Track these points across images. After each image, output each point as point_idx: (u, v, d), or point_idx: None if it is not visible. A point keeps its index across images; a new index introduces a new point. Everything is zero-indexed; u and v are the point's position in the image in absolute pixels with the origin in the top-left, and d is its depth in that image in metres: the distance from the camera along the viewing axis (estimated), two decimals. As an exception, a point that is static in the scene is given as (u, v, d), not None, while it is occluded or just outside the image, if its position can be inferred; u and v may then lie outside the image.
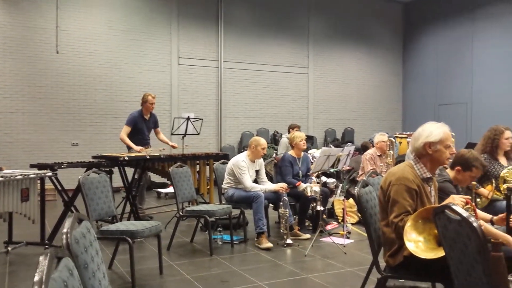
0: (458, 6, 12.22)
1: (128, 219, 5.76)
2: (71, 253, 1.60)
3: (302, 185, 5.46)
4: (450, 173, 3.36)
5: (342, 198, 6.15)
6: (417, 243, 2.30)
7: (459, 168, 3.31)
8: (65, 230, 1.64)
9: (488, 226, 3.14)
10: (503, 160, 4.21)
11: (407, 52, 14.03)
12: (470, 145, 6.14)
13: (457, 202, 2.51)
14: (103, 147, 9.41)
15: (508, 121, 9.79)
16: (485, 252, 1.83)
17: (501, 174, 4.01)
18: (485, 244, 1.82)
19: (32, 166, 5.16)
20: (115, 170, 5.91)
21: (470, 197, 2.82)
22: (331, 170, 6.75)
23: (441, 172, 3.29)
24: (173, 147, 6.76)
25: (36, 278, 1.13)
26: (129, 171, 6.06)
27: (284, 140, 8.27)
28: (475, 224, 1.84)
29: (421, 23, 13.46)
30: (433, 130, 2.64)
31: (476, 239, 1.85)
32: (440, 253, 2.20)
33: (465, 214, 1.90)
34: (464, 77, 12.05)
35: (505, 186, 4.00)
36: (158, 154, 5.96)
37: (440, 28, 12.84)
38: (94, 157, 5.93)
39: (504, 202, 4.01)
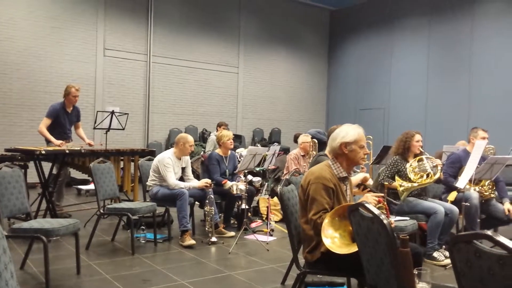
0: (379, 17, 12.93)
1: (44, 216, 5.45)
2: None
3: (228, 183, 5.51)
4: None
5: (267, 196, 6.28)
6: (333, 239, 2.41)
7: None
8: (-32, 228, 1.53)
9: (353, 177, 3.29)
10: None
11: (332, 57, 14.60)
12: (386, 148, 6.56)
13: (370, 200, 2.67)
14: (19, 140, 8.79)
15: (420, 126, 10.61)
16: (394, 247, 1.96)
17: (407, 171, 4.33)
18: (394, 240, 1.96)
19: None
20: (31, 164, 5.57)
21: (382, 195, 3.01)
22: (257, 169, 6.87)
23: None
24: (89, 144, 6.33)
25: None
26: (47, 166, 5.73)
27: (212, 137, 8.28)
28: (385, 222, 1.97)
29: (345, 31, 14.07)
30: (349, 131, 2.79)
31: (386, 235, 1.98)
32: (354, 248, 2.32)
33: (376, 212, 2.02)
34: (383, 84, 12.77)
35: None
36: (78, 148, 5.70)
37: (362, 37, 13.50)
38: (7, 150, 5.56)
39: (419, 201, 4.35)
